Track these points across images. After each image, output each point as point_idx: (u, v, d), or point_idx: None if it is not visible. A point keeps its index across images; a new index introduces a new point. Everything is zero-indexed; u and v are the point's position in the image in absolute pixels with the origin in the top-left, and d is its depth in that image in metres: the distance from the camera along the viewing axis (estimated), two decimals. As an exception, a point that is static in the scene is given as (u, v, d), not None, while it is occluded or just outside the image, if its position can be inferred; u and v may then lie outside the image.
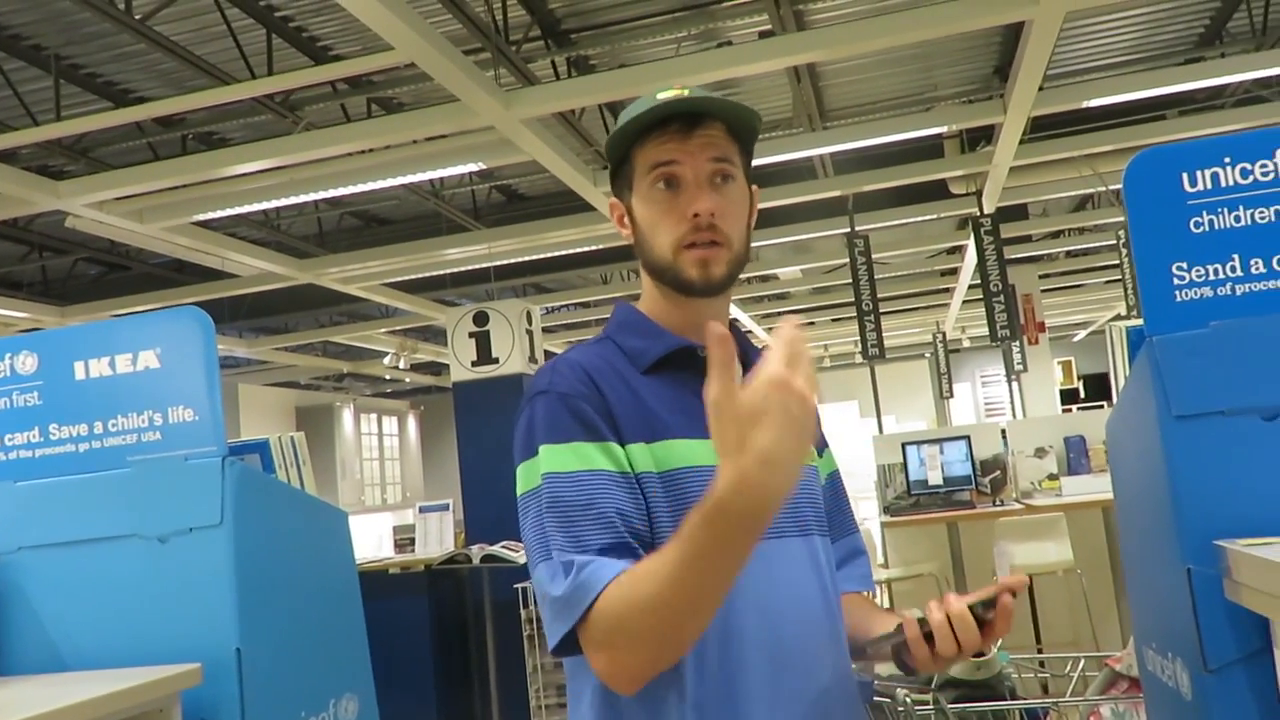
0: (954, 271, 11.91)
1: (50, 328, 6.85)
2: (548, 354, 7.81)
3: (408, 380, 17.14)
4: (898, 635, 1.15)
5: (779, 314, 14.07)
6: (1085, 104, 6.21)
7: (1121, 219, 8.78)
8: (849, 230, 8.03)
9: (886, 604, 6.04)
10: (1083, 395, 16.78)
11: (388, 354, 13.28)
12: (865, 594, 1.40)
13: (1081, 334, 18.52)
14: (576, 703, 1.19)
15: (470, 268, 9.25)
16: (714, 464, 1.16)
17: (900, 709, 1.87)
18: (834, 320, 15.50)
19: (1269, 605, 1.21)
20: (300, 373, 15.85)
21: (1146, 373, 1.47)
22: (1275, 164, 1.48)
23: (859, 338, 7.89)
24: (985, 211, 7.81)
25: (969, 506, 6.08)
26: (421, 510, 5.99)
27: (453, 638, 5.54)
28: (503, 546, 5.21)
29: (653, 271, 1.25)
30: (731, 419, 0.89)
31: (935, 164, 7.65)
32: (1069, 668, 2.31)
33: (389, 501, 18.41)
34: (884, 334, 8.13)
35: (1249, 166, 1.49)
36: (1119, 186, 1.60)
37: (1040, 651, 5.61)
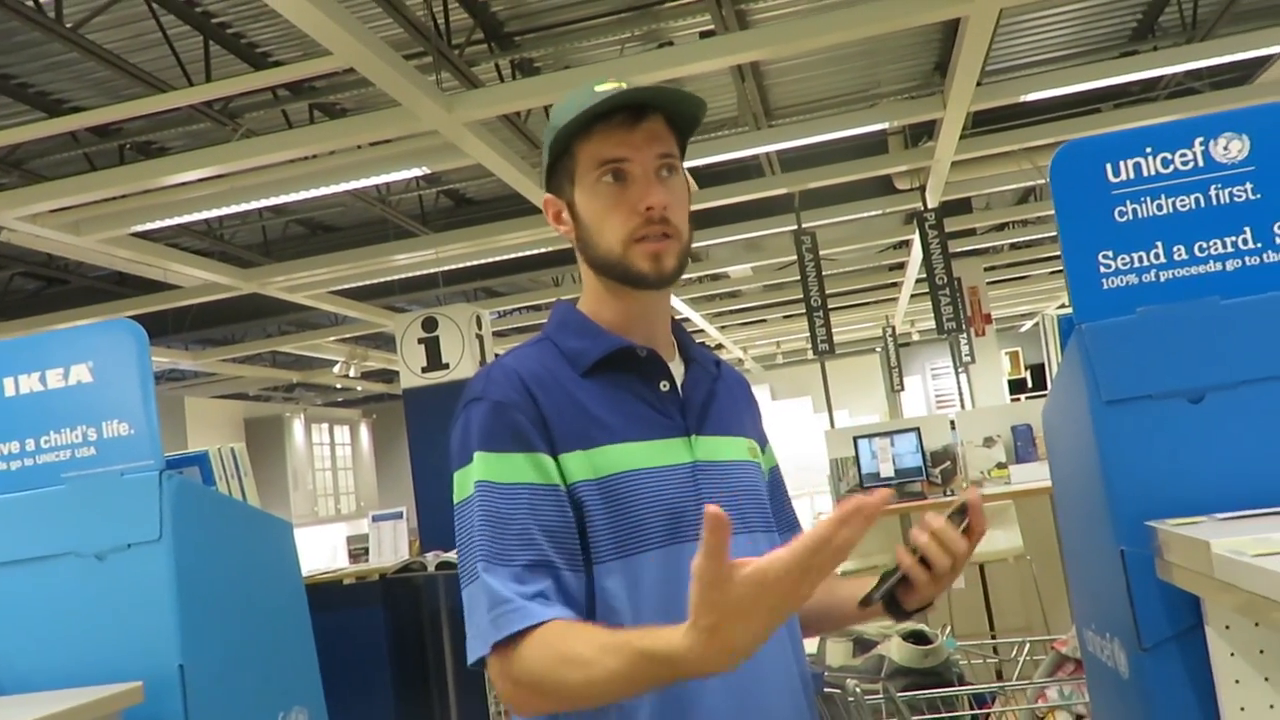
0: (901, 266, 12.06)
1: (-14, 344, 6.67)
2: (498, 358, 7.76)
3: (359, 389, 16.98)
4: (895, 572, 1.16)
5: (730, 312, 14.14)
6: (1023, 98, 6.33)
7: (1062, 211, 8.92)
8: (796, 228, 8.09)
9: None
10: (1030, 385, 17.04)
11: (337, 362, 13.15)
12: None
13: (1028, 324, 18.82)
14: None
15: (419, 273, 9.18)
16: (651, 466, 1.16)
17: (850, 699, 1.89)
18: (785, 317, 15.61)
19: (1199, 583, 1.24)
20: (249, 384, 15.62)
21: (1077, 360, 1.50)
22: (1195, 153, 1.52)
23: (809, 334, 7.95)
24: (929, 206, 7.91)
25: (920, 498, 6.13)
26: (375, 519, 5.91)
27: (410, 647, 5.48)
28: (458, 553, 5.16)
29: (598, 266, 1.22)
30: (714, 605, 0.86)
31: (880, 160, 7.75)
32: (1015, 652, 2.35)
33: (343, 511, 18.21)
34: (835, 330, 8.20)
35: (1169, 156, 1.52)
36: (1049, 178, 1.63)
37: (994, 637, 5.69)
